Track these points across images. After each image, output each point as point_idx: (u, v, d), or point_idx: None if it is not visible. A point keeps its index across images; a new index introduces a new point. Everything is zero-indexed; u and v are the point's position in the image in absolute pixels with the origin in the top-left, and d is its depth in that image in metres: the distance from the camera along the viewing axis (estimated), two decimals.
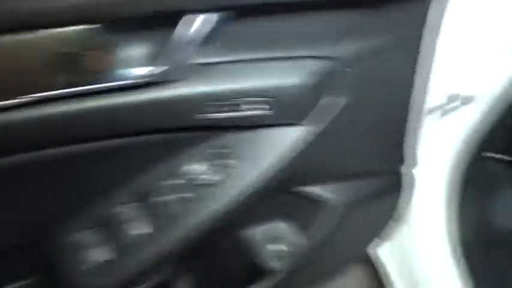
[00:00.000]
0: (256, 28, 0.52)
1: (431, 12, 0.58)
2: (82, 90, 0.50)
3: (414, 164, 0.79)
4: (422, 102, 0.68)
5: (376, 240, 0.89)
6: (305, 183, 0.66)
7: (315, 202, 0.68)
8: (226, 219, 0.59)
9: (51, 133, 0.51)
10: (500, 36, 0.71)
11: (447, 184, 0.90)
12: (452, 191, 0.90)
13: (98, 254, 0.60)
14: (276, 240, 0.69)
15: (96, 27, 0.48)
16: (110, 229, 0.60)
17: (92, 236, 0.60)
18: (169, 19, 0.49)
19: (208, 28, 0.50)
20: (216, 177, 0.57)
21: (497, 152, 0.91)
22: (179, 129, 0.56)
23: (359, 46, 0.56)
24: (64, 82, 0.49)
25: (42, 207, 0.59)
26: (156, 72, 0.51)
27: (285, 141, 0.57)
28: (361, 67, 0.57)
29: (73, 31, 0.48)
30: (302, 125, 0.57)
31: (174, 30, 0.49)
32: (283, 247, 0.69)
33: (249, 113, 0.54)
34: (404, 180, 0.78)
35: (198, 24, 0.49)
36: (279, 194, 0.66)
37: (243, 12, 0.50)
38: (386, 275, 1.01)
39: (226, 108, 0.53)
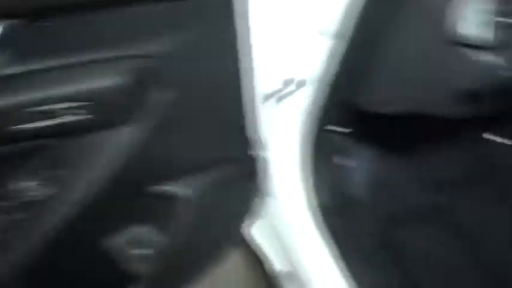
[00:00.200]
0: (58, 32, 0.51)
1: None
2: None
3: (263, 146, 0.86)
4: (254, 88, 0.73)
5: (247, 221, 0.95)
6: (155, 183, 0.68)
7: (169, 200, 0.70)
8: (72, 231, 0.58)
9: None
10: (311, 19, 0.78)
11: (299, 159, 0.98)
12: (304, 164, 0.98)
13: None
14: (138, 244, 0.70)
15: None
16: None
17: None
18: None
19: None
20: (48, 191, 0.56)
21: (337, 126, 1.02)
22: None
23: (173, 40, 0.57)
24: None
25: None
26: None
27: (115, 143, 0.57)
28: (180, 60, 0.58)
29: None
30: (130, 125, 0.58)
31: None
32: (146, 250, 0.70)
33: (67, 119, 0.53)
34: (258, 163, 0.84)
35: None
36: (133, 197, 0.67)
37: (37, 19, 0.49)
38: (262, 252, 1.08)
39: (41, 117, 0.52)
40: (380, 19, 0.75)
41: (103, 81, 0.54)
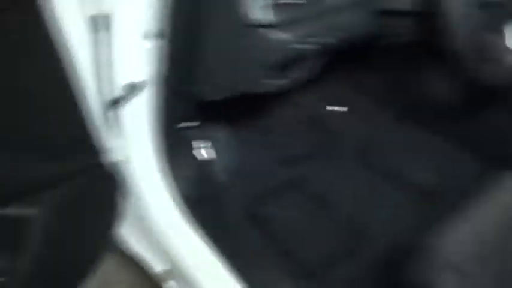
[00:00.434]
0: None
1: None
2: None
3: (115, 152, 0.87)
4: (95, 96, 0.74)
5: (116, 226, 0.94)
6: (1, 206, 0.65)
7: (19, 222, 0.68)
8: None
9: None
10: (135, 23, 0.80)
11: (157, 158, 1.01)
12: (163, 162, 1.01)
13: None
14: None
15: None
16: None
17: None
18: None
19: None
20: None
21: (185, 121, 1.08)
22: None
23: None
24: None
25: None
26: None
27: None
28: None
29: None
30: None
31: None
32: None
33: None
34: (112, 168, 0.85)
35: None
36: None
37: None
38: (139, 254, 1.08)
39: None
40: (189, 14, 0.82)
41: None
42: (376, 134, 1.47)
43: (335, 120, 1.50)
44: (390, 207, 1.25)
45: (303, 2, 0.83)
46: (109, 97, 0.87)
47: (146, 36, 0.81)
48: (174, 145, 1.03)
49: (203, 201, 1.10)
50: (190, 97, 0.96)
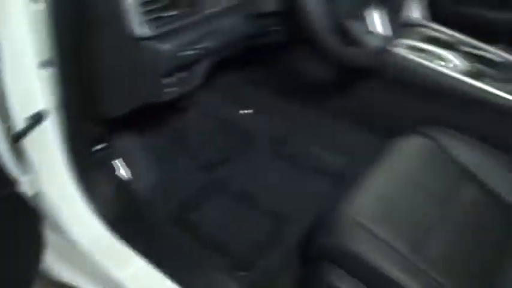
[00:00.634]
0: None
1: None
2: None
3: (27, 184, 0.88)
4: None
5: (43, 255, 0.93)
6: None
7: None
8: None
9: None
10: (25, 54, 0.82)
11: (72, 182, 1.01)
12: (79, 185, 1.01)
13: None
14: None
15: None
16: None
17: None
18: None
19: None
20: None
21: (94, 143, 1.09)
22: None
23: None
24: None
25: None
26: None
27: None
28: None
29: None
30: None
31: None
32: None
33: None
34: (24, 198, 0.85)
35: None
36: None
37: None
38: (71, 284, 1.08)
39: None
40: (73, 36, 0.85)
41: None
42: (284, 126, 1.58)
43: (245, 119, 1.58)
44: (310, 194, 1.34)
45: (174, 13, 0.90)
46: (13, 131, 0.87)
47: (41, 65, 0.83)
48: (90, 169, 1.04)
49: (127, 219, 1.11)
50: (96, 118, 0.99)
